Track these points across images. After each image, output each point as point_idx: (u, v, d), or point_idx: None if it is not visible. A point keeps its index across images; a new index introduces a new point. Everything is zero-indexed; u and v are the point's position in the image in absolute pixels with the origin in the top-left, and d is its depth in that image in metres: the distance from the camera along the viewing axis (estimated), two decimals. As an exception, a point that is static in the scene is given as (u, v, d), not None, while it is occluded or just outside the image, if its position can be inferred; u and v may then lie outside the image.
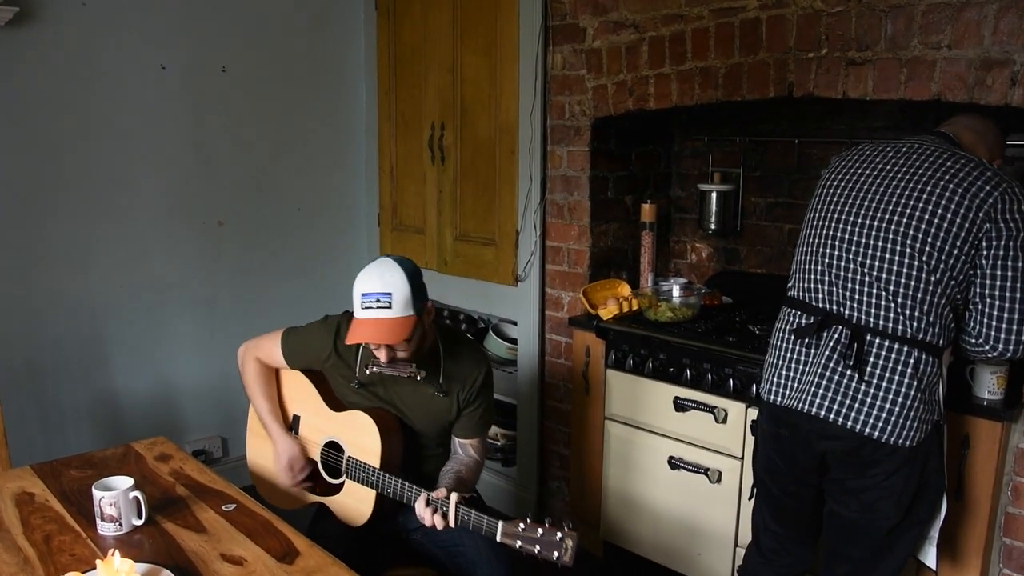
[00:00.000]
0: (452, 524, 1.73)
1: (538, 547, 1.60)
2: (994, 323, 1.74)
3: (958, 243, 1.71)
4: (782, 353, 1.93)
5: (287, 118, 3.48)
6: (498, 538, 1.65)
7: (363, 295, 1.85)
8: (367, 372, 1.98)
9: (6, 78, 2.75)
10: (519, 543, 1.62)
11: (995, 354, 1.78)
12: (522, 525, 1.62)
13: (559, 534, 1.59)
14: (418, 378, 1.95)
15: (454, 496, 1.73)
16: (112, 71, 2.98)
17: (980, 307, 1.75)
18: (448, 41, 3.24)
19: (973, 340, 1.79)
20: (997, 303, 1.73)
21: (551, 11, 2.90)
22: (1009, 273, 1.71)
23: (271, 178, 3.47)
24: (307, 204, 3.60)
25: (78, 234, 2.98)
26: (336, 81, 3.63)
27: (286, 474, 2.09)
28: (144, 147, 3.09)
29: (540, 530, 1.60)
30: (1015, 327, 1.73)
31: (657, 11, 2.57)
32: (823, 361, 1.83)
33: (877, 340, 1.77)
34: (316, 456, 2.11)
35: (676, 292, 2.77)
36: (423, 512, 1.76)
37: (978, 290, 1.75)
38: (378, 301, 1.83)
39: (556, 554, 1.59)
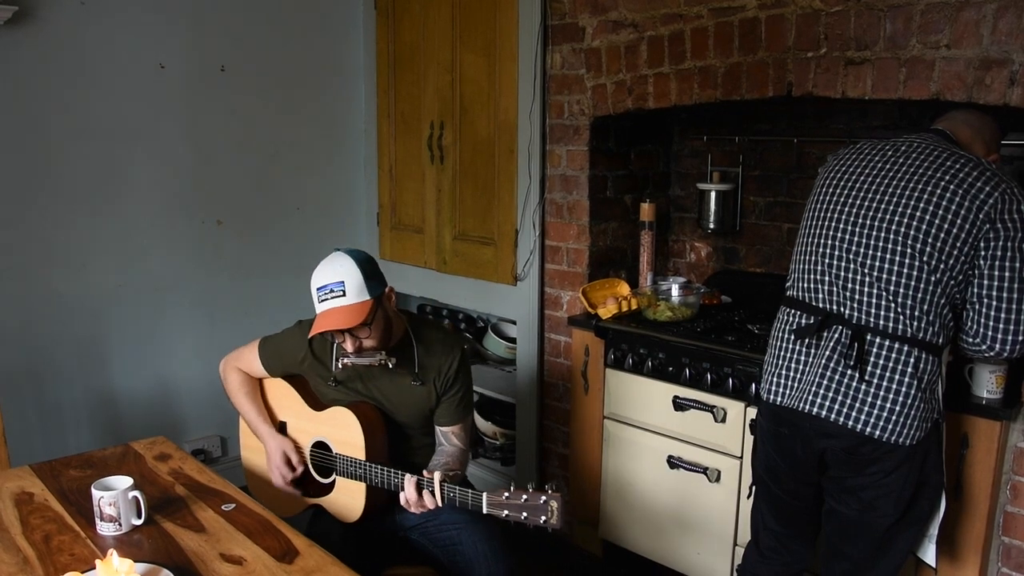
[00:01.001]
0: (440, 503, 1.75)
1: (525, 513, 1.61)
2: (991, 323, 1.74)
3: (958, 243, 1.71)
4: (782, 353, 1.93)
5: (286, 117, 3.48)
6: (484, 509, 1.66)
7: (318, 289, 1.89)
8: (339, 367, 2.00)
9: (5, 77, 2.75)
10: (506, 512, 1.63)
11: (992, 354, 1.79)
12: (506, 494, 1.63)
13: (543, 497, 1.60)
14: (389, 365, 1.96)
15: (437, 474, 1.75)
16: (111, 70, 2.98)
17: (978, 307, 1.75)
18: (447, 40, 3.23)
19: (971, 340, 1.80)
20: (995, 303, 1.73)
21: (550, 10, 2.90)
22: (1007, 274, 1.71)
23: (270, 177, 3.47)
24: (306, 203, 3.60)
25: (76, 233, 2.98)
26: (335, 80, 3.63)
27: (281, 472, 2.09)
28: (143, 146, 3.09)
29: (524, 496, 1.61)
30: (1012, 327, 1.73)
31: (656, 10, 2.57)
32: (823, 361, 1.83)
33: (877, 340, 1.77)
34: (306, 458, 2.12)
35: (675, 291, 2.77)
36: (411, 494, 1.77)
37: (976, 290, 1.75)
38: (332, 291, 1.86)
39: (543, 518, 1.60)
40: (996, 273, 1.72)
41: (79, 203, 2.97)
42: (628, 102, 2.72)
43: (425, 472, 1.81)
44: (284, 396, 2.17)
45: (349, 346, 1.90)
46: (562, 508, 1.61)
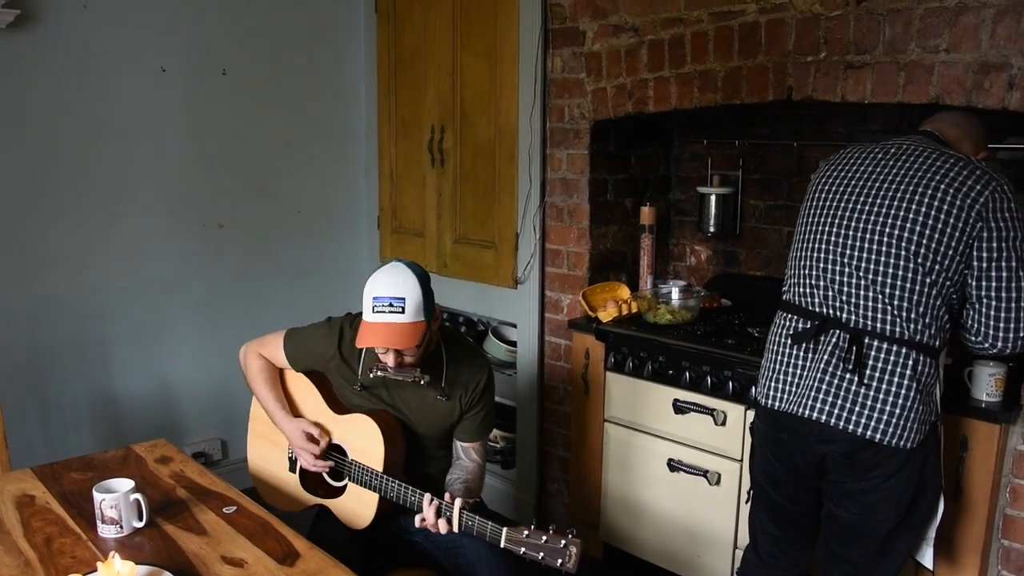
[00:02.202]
0: (456, 529, 1.74)
1: (542, 554, 1.60)
2: (992, 322, 1.76)
3: (952, 243, 1.72)
4: (779, 358, 1.93)
5: (287, 120, 3.49)
6: (502, 544, 1.65)
7: (375, 298, 1.84)
8: (370, 376, 1.98)
9: (7, 80, 2.76)
10: (523, 550, 1.62)
11: (995, 351, 1.80)
12: (526, 532, 1.62)
13: (563, 541, 1.59)
14: (422, 383, 1.95)
15: (458, 501, 1.73)
16: (113, 73, 2.98)
17: (978, 307, 1.76)
18: (448, 44, 3.24)
19: (973, 338, 1.81)
20: (995, 303, 1.74)
21: (551, 14, 2.90)
22: (1004, 273, 1.72)
23: (271, 180, 3.48)
24: (307, 206, 3.61)
25: (79, 236, 2.98)
26: (336, 84, 3.63)
27: (307, 449, 2.02)
28: (144, 149, 3.10)
29: (544, 537, 1.60)
30: (1013, 324, 1.75)
31: (656, 14, 2.58)
32: (822, 365, 1.83)
33: (875, 343, 1.78)
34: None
35: (675, 295, 2.78)
36: (430, 518, 1.76)
37: (974, 291, 1.76)
38: (391, 306, 1.83)
39: (560, 561, 1.59)
40: (993, 273, 1.73)
41: (81, 206, 2.98)
42: (628, 106, 2.72)
43: (446, 496, 1.79)
44: (304, 393, 2.16)
45: (391, 361, 1.88)
46: (580, 554, 1.59)
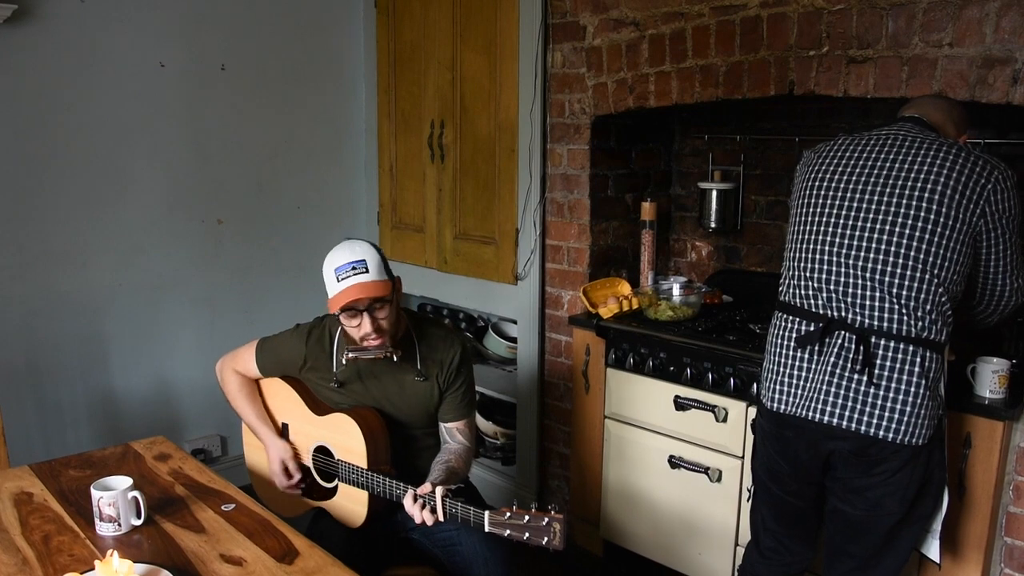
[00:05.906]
0: (441, 518, 1.74)
1: (527, 533, 1.60)
2: (997, 291, 1.86)
3: (955, 235, 1.73)
4: (783, 360, 1.91)
5: (286, 116, 3.48)
6: (486, 528, 1.65)
7: (337, 268, 1.87)
8: (343, 362, 1.99)
9: (4, 75, 2.75)
10: (508, 531, 1.63)
11: (988, 316, 1.94)
12: (508, 513, 1.62)
13: (546, 519, 1.59)
14: (394, 358, 1.96)
15: (439, 490, 1.74)
16: (111, 69, 2.97)
17: (982, 286, 1.85)
18: (448, 39, 3.23)
19: (977, 308, 1.91)
20: (1000, 279, 1.83)
21: (551, 9, 2.89)
22: (1008, 255, 1.80)
23: (270, 176, 3.47)
24: (306, 202, 3.60)
25: (77, 232, 2.98)
26: (336, 79, 3.62)
27: (281, 477, 2.09)
28: (143, 145, 3.09)
29: (527, 516, 1.61)
30: (1008, 292, 1.87)
31: (658, 9, 2.57)
32: (829, 367, 1.81)
33: (883, 342, 1.76)
34: (308, 462, 2.12)
35: (676, 291, 2.76)
36: (412, 509, 1.77)
37: (980, 278, 1.82)
38: (354, 268, 1.86)
39: (546, 539, 1.59)
40: (1001, 259, 1.80)
41: (79, 202, 2.97)
42: (629, 101, 2.71)
43: (423, 487, 1.79)
44: (285, 398, 2.16)
45: (367, 325, 1.88)
46: (565, 529, 1.59)
